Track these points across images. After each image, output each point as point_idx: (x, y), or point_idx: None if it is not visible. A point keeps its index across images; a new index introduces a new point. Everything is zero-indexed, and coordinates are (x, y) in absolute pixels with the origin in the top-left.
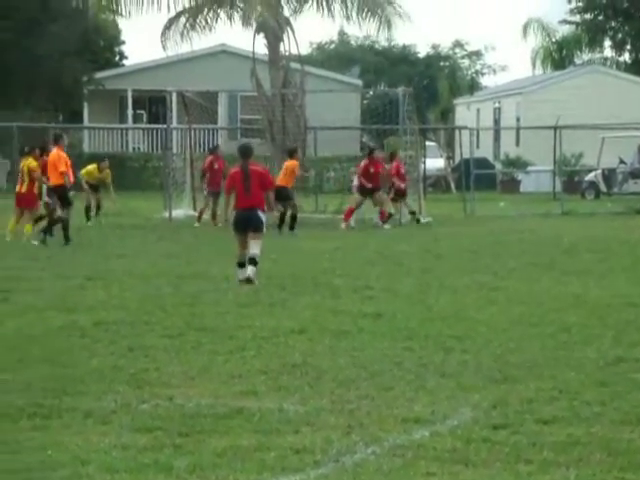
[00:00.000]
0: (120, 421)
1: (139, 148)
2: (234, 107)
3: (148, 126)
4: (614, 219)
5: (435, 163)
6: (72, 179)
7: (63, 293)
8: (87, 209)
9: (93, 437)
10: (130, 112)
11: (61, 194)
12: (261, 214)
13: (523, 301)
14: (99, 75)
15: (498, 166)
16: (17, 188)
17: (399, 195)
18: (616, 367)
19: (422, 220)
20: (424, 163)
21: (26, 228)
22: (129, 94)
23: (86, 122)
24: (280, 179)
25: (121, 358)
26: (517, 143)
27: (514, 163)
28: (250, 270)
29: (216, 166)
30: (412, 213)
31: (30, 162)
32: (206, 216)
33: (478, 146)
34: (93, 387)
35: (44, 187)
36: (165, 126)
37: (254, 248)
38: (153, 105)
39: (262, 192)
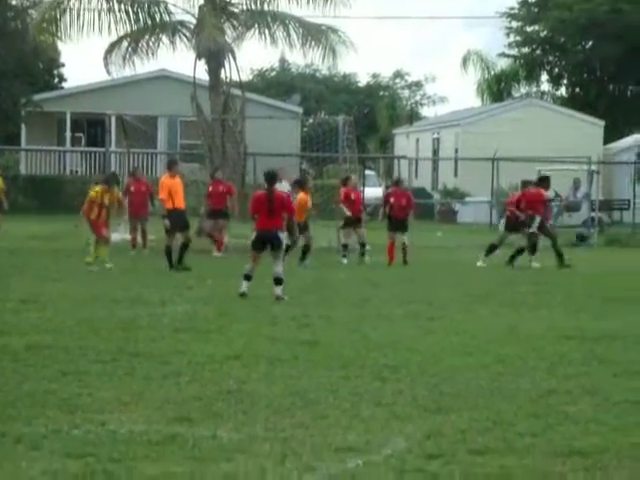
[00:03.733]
0: (51, 447)
1: (77, 171)
2: (174, 132)
3: (86, 149)
4: (549, 252)
5: (374, 192)
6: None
7: None
8: None
9: (23, 463)
10: (68, 135)
11: None
12: (281, 234)
13: (458, 331)
14: (38, 97)
15: (436, 196)
16: None
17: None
18: (549, 399)
19: (367, 259)
20: (363, 192)
21: None
22: (68, 117)
23: (23, 144)
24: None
25: (53, 382)
26: (455, 174)
27: (452, 193)
28: (277, 289)
29: (133, 189)
30: (362, 245)
31: None
32: (152, 237)
33: (417, 176)
34: (24, 412)
35: None
36: (104, 149)
37: (277, 266)
38: (92, 128)
39: (283, 216)
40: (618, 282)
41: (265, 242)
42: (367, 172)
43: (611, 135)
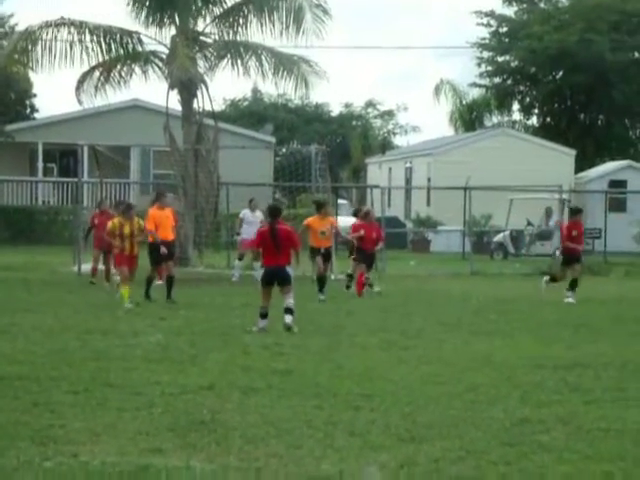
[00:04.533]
0: (23, 479)
1: (49, 201)
2: (147, 162)
3: (58, 179)
4: (521, 280)
5: (347, 221)
6: None
7: None
8: None
9: None
10: (40, 165)
11: None
12: (288, 269)
13: (431, 360)
14: (9, 128)
15: (409, 225)
16: None
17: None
18: (522, 427)
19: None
20: (336, 221)
21: None
22: (40, 147)
23: None
24: (320, 239)
25: (25, 414)
26: (428, 203)
27: (425, 222)
28: (288, 319)
29: (97, 222)
30: (349, 276)
31: None
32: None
33: (389, 205)
34: None
35: None
36: (76, 180)
37: (288, 298)
38: (64, 158)
39: (289, 250)
40: (589, 310)
41: (273, 278)
42: (340, 201)
43: (582, 164)
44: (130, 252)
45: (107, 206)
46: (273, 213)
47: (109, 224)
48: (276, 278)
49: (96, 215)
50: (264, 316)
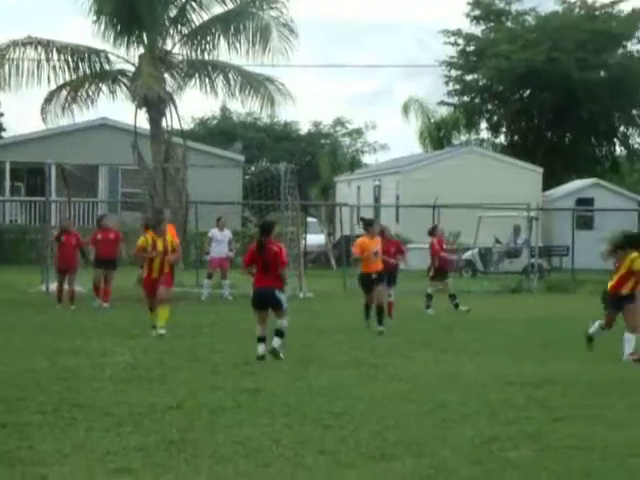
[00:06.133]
0: None
1: (16, 220)
2: (115, 180)
3: (26, 198)
4: (490, 298)
5: (316, 239)
6: None
7: None
8: None
9: None
10: (8, 184)
11: None
12: (279, 294)
13: (401, 378)
14: None
15: None
16: None
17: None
18: (491, 445)
19: (462, 308)
20: (305, 239)
21: None
22: (7, 166)
23: None
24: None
25: None
26: (397, 220)
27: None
28: (276, 342)
29: (63, 240)
30: (452, 297)
31: None
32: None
33: (358, 223)
34: None
35: None
36: (44, 199)
37: (281, 320)
38: (32, 177)
39: (278, 271)
40: (558, 328)
41: (263, 301)
42: (309, 219)
43: (549, 182)
44: (159, 273)
45: (70, 225)
46: (265, 230)
47: (140, 239)
48: (266, 302)
49: (61, 233)
50: (262, 340)
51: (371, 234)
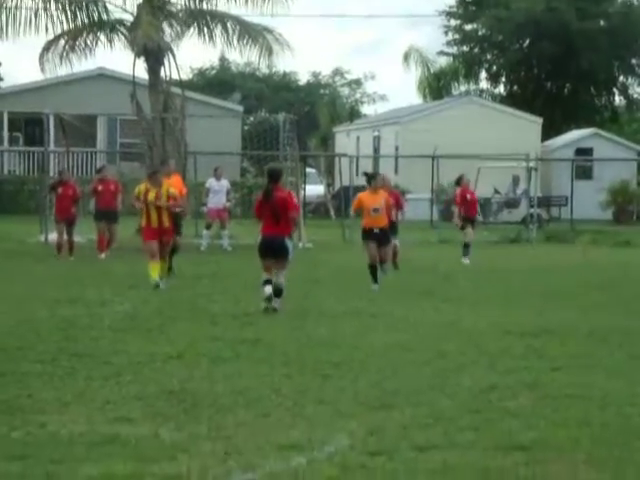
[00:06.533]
0: None
1: (15, 171)
2: (113, 131)
3: (24, 149)
4: (490, 248)
5: (315, 190)
6: None
7: None
8: None
9: None
10: (6, 134)
11: None
12: (287, 242)
13: (400, 328)
14: None
15: None
16: None
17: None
18: (490, 394)
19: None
20: (304, 189)
21: None
22: (5, 116)
23: None
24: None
25: None
26: (396, 171)
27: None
28: (275, 302)
29: (60, 191)
30: (465, 246)
31: None
32: (80, 240)
33: (357, 173)
34: None
35: None
36: (42, 149)
37: (279, 277)
38: (30, 127)
39: (289, 219)
40: (556, 278)
41: (269, 249)
42: (308, 170)
43: (549, 132)
44: (159, 224)
45: (69, 176)
46: (273, 176)
47: (136, 189)
48: (274, 250)
49: (57, 184)
50: (268, 282)
51: (373, 188)
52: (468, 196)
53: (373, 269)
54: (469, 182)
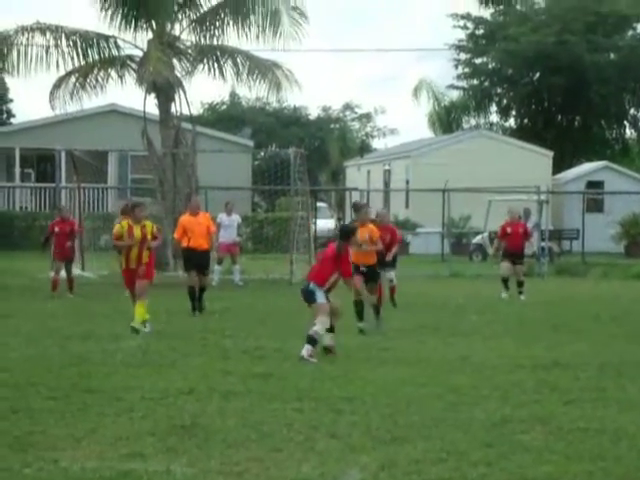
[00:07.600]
0: None
1: (26, 207)
2: (124, 166)
3: (36, 185)
4: (500, 281)
5: (326, 224)
6: None
7: None
8: None
9: None
10: (17, 170)
11: None
12: (313, 287)
13: (411, 362)
14: None
15: None
16: None
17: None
18: (502, 428)
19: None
20: (315, 224)
21: None
22: (17, 152)
23: None
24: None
25: (4, 421)
26: (407, 205)
27: (404, 225)
28: (305, 349)
29: (57, 229)
30: (519, 284)
31: None
32: (84, 270)
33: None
34: None
35: None
36: (54, 185)
37: (315, 325)
38: (41, 164)
39: (332, 272)
40: (568, 311)
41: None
42: (319, 204)
43: (560, 166)
44: (137, 263)
45: (67, 213)
46: (346, 234)
47: (116, 227)
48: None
49: (56, 222)
50: (332, 330)
51: (360, 220)
52: (508, 229)
53: (358, 305)
54: (514, 214)
